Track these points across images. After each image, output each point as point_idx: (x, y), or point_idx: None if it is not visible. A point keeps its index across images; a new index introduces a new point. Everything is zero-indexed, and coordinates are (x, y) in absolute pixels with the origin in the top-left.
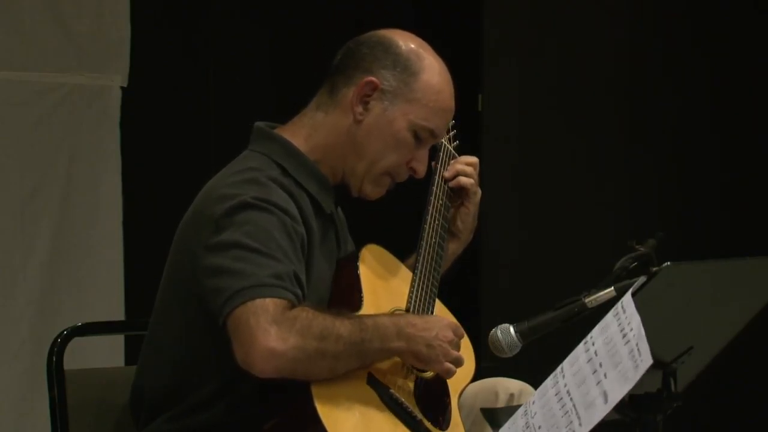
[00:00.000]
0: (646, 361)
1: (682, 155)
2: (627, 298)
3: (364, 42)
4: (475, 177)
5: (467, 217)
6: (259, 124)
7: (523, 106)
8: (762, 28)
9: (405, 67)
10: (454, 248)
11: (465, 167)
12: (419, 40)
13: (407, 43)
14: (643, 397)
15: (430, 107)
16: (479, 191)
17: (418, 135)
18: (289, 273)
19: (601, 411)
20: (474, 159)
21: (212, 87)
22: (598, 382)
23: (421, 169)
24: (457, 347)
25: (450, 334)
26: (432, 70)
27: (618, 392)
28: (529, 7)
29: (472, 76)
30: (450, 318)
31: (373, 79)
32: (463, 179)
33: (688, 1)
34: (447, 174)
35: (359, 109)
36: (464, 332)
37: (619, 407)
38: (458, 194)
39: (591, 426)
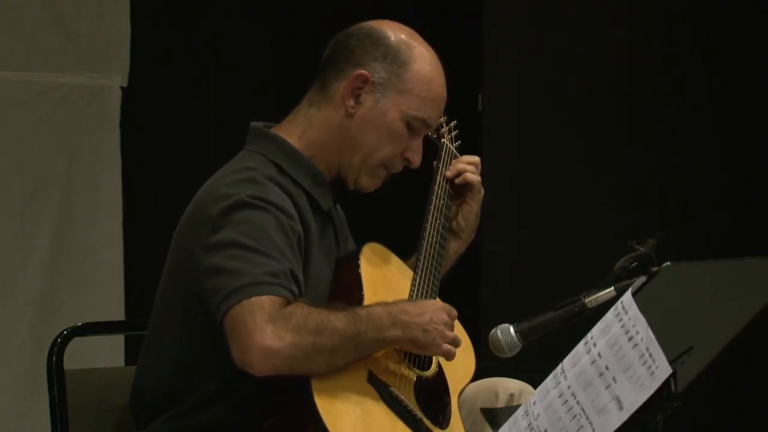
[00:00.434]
0: (664, 369)
1: (682, 155)
2: (627, 298)
3: (354, 34)
4: (478, 176)
5: (470, 216)
6: (255, 124)
7: (523, 106)
8: (762, 28)
9: (395, 58)
10: (456, 247)
11: (467, 166)
12: (409, 30)
13: (397, 33)
14: None
15: (421, 97)
16: (482, 189)
17: (410, 125)
18: (286, 271)
19: (616, 418)
20: (476, 158)
21: (212, 87)
22: (608, 386)
23: (416, 159)
24: (452, 329)
25: (444, 316)
26: (422, 60)
27: (634, 399)
28: (529, 7)
29: (472, 76)
30: None
31: (364, 72)
32: (469, 175)
33: (688, 1)
34: (449, 173)
35: (351, 102)
36: (457, 313)
37: None
38: (461, 192)
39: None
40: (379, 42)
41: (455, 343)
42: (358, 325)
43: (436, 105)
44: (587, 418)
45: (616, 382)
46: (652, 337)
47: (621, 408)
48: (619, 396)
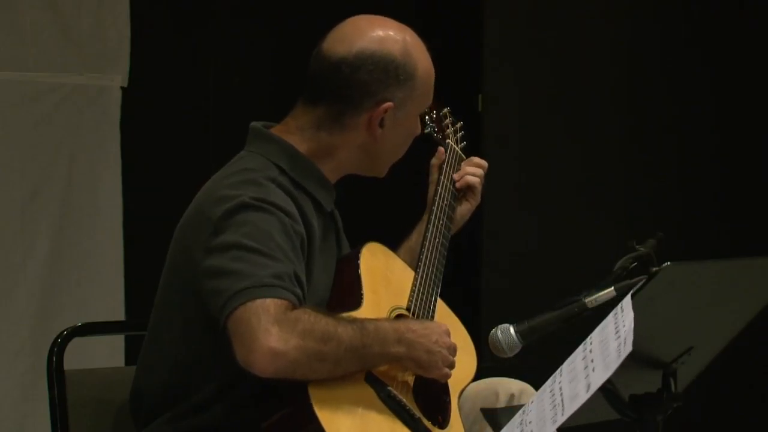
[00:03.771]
0: (628, 348)
1: (682, 155)
2: (627, 300)
3: (360, 66)
4: (482, 179)
5: (461, 221)
6: (255, 124)
7: (523, 106)
8: (762, 28)
9: (405, 75)
10: None
11: (475, 168)
12: (393, 26)
13: (394, 46)
14: (643, 397)
15: (428, 88)
16: (479, 199)
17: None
18: (289, 273)
19: (582, 399)
20: (484, 163)
21: (212, 87)
22: (587, 376)
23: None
24: (455, 352)
25: (448, 340)
26: (421, 55)
27: (599, 380)
28: (529, 7)
29: (472, 76)
30: (452, 316)
31: (390, 103)
32: (470, 177)
33: (688, 2)
34: (457, 176)
35: (379, 131)
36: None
37: (619, 407)
38: (462, 194)
39: (570, 413)
40: (388, 68)
41: (453, 367)
42: (364, 338)
43: (433, 83)
44: (562, 404)
45: (594, 371)
46: (632, 327)
47: (588, 390)
48: (591, 382)
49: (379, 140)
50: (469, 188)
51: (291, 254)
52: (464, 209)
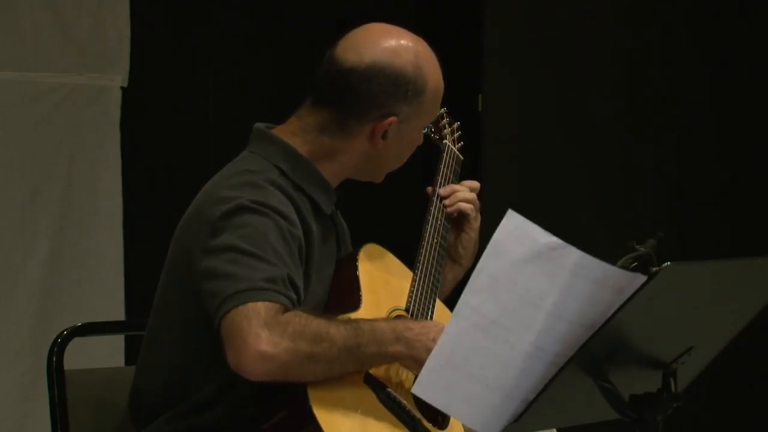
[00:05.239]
0: None
1: (682, 155)
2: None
3: (370, 78)
4: (476, 202)
5: (468, 244)
6: (258, 125)
7: (523, 106)
8: (762, 28)
9: (415, 89)
10: (456, 273)
11: (466, 194)
12: (407, 38)
13: (407, 59)
14: (643, 397)
15: (435, 103)
16: (479, 216)
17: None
18: (283, 277)
19: None
20: (476, 184)
21: (212, 87)
22: None
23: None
24: None
25: None
26: (432, 70)
27: None
28: (529, 7)
29: (472, 76)
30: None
31: (395, 118)
32: (462, 205)
33: (688, 2)
34: (447, 202)
35: (381, 142)
36: None
37: (619, 407)
38: (458, 221)
39: None
40: (398, 82)
41: None
42: (359, 338)
43: (440, 97)
44: None
45: None
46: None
47: None
48: None
49: (381, 150)
50: (463, 216)
51: (287, 258)
52: (466, 240)
